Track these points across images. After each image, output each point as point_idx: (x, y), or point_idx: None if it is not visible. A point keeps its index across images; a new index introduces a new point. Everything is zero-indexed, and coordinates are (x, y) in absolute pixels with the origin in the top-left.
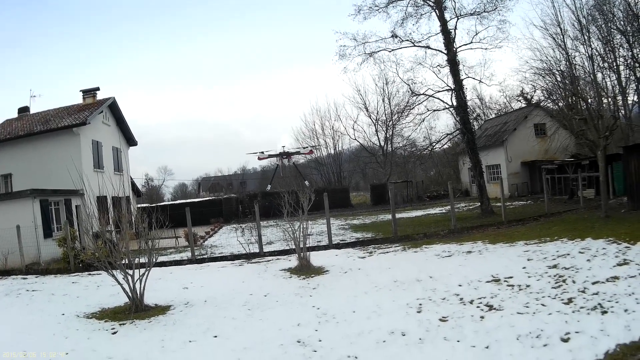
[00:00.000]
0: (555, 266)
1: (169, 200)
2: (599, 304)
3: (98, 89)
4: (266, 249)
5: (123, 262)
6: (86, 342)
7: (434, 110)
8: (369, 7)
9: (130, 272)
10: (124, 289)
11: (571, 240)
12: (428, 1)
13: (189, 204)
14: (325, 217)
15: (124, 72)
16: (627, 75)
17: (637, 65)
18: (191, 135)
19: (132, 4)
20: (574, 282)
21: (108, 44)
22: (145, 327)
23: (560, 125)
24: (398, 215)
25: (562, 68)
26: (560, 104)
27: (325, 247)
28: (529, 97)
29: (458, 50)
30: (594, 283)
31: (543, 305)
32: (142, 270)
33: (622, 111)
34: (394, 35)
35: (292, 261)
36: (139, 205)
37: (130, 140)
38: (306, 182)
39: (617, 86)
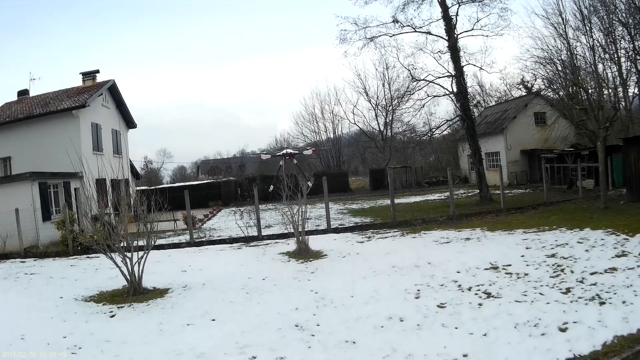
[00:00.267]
0: (553, 255)
1: (168, 183)
2: (597, 294)
3: (98, 71)
4: (265, 232)
5: (122, 245)
6: (84, 325)
7: (434, 96)
8: None
9: (129, 255)
10: (122, 272)
11: (570, 230)
12: None
13: (188, 187)
14: (324, 201)
15: (124, 54)
16: (628, 68)
17: (638, 57)
18: (190, 118)
19: None
20: (572, 272)
21: (108, 26)
22: (143, 311)
23: (561, 115)
24: (397, 201)
25: (563, 57)
26: (561, 94)
27: (323, 231)
28: (529, 85)
29: (459, 36)
30: (592, 274)
31: (541, 294)
32: (141, 253)
33: (623, 103)
34: (395, 21)
35: (291, 245)
36: (137, 188)
37: (130, 123)
38: (309, 183)
39: (618, 78)
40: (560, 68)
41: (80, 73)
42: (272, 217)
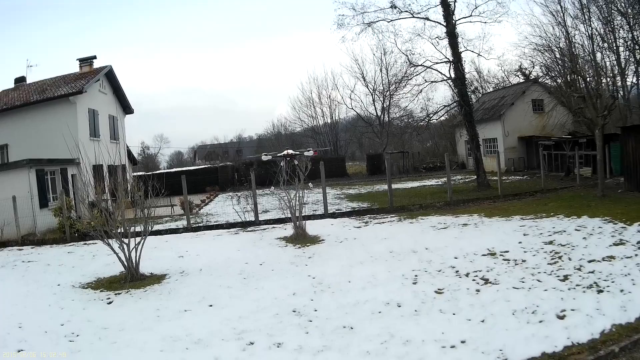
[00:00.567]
0: (551, 242)
1: (165, 168)
2: (595, 282)
3: (95, 57)
4: (262, 217)
5: (119, 231)
6: (82, 312)
7: (432, 82)
8: None
9: (126, 241)
10: (119, 258)
11: (567, 218)
12: None
13: (185, 172)
14: (321, 186)
15: (121, 40)
16: (627, 57)
17: (637, 47)
18: (187, 104)
19: None
20: (569, 259)
21: (105, 11)
22: (140, 297)
23: (558, 102)
24: (394, 186)
25: (561, 45)
26: (559, 81)
27: (321, 216)
28: (527, 72)
29: (457, 23)
30: (590, 261)
31: (539, 281)
32: (138, 239)
33: (621, 92)
34: (393, 6)
35: (288, 230)
36: (135, 174)
37: (127, 109)
38: (309, 184)
39: (617, 67)
40: (558, 56)
41: (77, 59)
42: (269, 202)
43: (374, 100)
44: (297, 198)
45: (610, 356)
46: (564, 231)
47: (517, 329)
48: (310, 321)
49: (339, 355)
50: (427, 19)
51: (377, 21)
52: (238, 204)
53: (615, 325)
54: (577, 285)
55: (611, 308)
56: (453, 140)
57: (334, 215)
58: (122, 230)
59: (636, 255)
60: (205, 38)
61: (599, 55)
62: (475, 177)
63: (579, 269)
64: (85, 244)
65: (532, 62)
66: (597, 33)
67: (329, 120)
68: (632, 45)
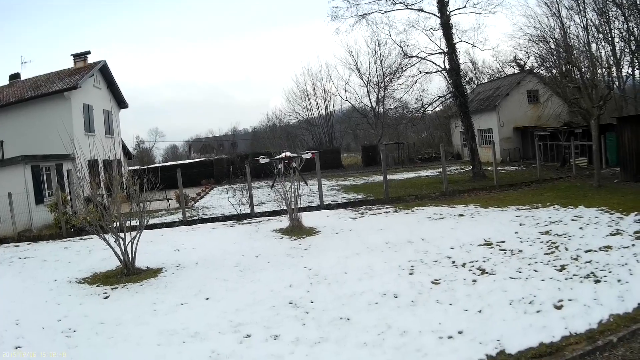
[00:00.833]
0: (547, 232)
1: (160, 162)
2: (592, 272)
3: (89, 52)
4: (257, 209)
5: (114, 225)
6: (78, 307)
7: (427, 73)
8: None
9: (122, 235)
10: (115, 253)
11: (564, 208)
12: None
13: (180, 166)
14: (317, 177)
15: (115, 34)
16: (622, 48)
17: (632, 38)
18: (182, 97)
19: None
20: (566, 249)
21: (99, 6)
22: (137, 291)
23: (554, 93)
24: (389, 177)
25: (556, 36)
26: (554, 72)
27: (316, 208)
28: (522, 63)
29: (451, 14)
30: (586, 251)
31: (536, 271)
32: (134, 233)
33: (616, 83)
34: None
35: (284, 222)
36: (130, 168)
37: (122, 103)
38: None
39: (612, 58)
40: (553, 47)
41: (71, 55)
42: (264, 195)
43: (368, 92)
44: (293, 190)
45: (608, 346)
46: (561, 221)
47: (515, 319)
48: (307, 313)
49: (336, 347)
50: (422, 10)
51: (371, 13)
52: (233, 197)
53: (613, 315)
54: (574, 275)
55: (609, 298)
56: (448, 131)
57: (329, 207)
58: (118, 225)
59: (633, 245)
60: (199, 31)
61: (594, 46)
62: (471, 167)
63: (576, 259)
64: (81, 239)
65: (527, 52)
66: (592, 24)
67: (324, 112)
68: (627, 36)
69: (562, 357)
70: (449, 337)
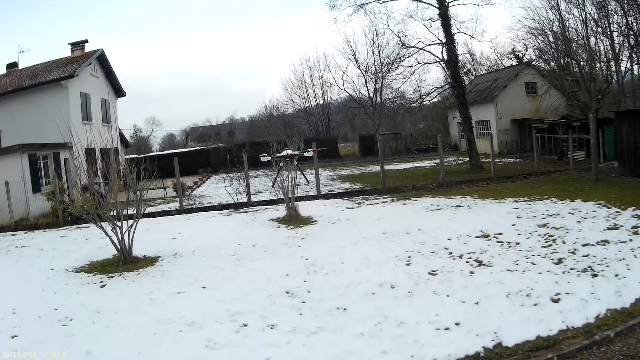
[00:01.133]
0: (545, 225)
1: (157, 150)
2: (590, 266)
3: (86, 41)
4: (254, 198)
5: (111, 213)
6: (75, 296)
7: (425, 63)
8: None
9: (119, 223)
10: (112, 241)
11: (561, 201)
12: None
13: (177, 154)
14: (314, 167)
15: (113, 23)
16: (621, 42)
17: (631, 33)
18: (179, 86)
19: None
20: (564, 242)
21: None
22: (133, 279)
23: (552, 86)
24: (386, 167)
25: (555, 29)
26: (552, 64)
27: (313, 197)
28: (520, 55)
29: (450, 4)
30: (584, 245)
31: (533, 263)
32: (131, 222)
33: (615, 77)
34: None
35: (281, 211)
36: (127, 157)
37: (119, 92)
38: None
39: (610, 52)
40: (552, 39)
41: (69, 43)
42: (261, 184)
43: (366, 82)
44: (290, 179)
45: (605, 341)
46: (558, 214)
47: (512, 312)
48: (304, 302)
49: (332, 337)
50: (420, 0)
51: (369, 2)
52: (230, 186)
53: (610, 310)
54: (571, 268)
55: (606, 292)
56: (446, 122)
57: (326, 196)
58: (115, 213)
59: (631, 240)
60: (196, 20)
61: (592, 39)
62: (468, 159)
63: (573, 253)
64: (78, 227)
65: (526, 45)
66: (591, 18)
67: (321, 102)
68: (626, 30)
69: (559, 351)
70: (446, 329)
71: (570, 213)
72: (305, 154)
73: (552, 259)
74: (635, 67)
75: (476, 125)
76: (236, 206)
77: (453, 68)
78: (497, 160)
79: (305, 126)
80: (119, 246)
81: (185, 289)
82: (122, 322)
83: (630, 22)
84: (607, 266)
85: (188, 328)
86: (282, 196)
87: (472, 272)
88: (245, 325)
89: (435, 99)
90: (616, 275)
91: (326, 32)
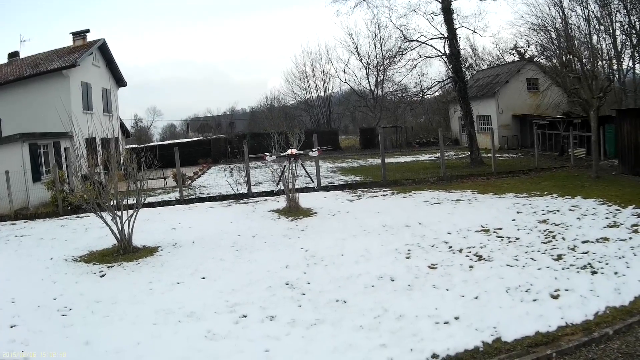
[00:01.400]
0: (545, 221)
1: (158, 141)
2: (589, 263)
3: (88, 30)
4: (255, 189)
5: (111, 203)
6: (74, 286)
7: (427, 57)
8: None
9: (119, 213)
10: (112, 231)
11: (561, 197)
12: None
13: (178, 145)
14: (314, 159)
15: (115, 12)
16: (623, 41)
17: (633, 32)
18: (180, 76)
19: None
20: (563, 239)
21: None
22: (133, 269)
23: (553, 82)
24: (387, 160)
25: (557, 26)
26: (554, 61)
27: (313, 189)
28: (522, 51)
29: None
30: (583, 242)
31: (532, 259)
32: (131, 212)
33: (617, 76)
34: None
35: (281, 202)
36: (127, 146)
37: (120, 81)
38: (312, 153)
39: (613, 50)
40: (554, 36)
41: (70, 33)
42: (262, 175)
43: (367, 75)
44: (290, 171)
45: (604, 338)
46: (558, 211)
47: (511, 307)
48: (303, 294)
49: (332, 329)
50: None
51: None
52: (231, 176)
53: (609, 307)
54: (571, 265)
55: (605, 290)
56: (447, 116)
57: (326, 189)
58: (115, 203)
59: (630, 238)
60: (198, 10)
61: (595, 37)
62: (469, 153)
63: (573, 249)
64: (78, 217)
65: (528, 41)
66: (593, 15)
67: (323, 94)
68: (628, 29)
69: (558, 347)
70: (445, 323)
71: (570, 210)
72: (310, 153)
73: (552, 255)
74: (637, 66)
75: (477, 120)
76: (236, 197)
77: (455, 62)
78: (498, 155)
79: (306, 118)
80: (118, 236)
81: (184, 280)
82: (121, 312)
83: (633, 21)
84: (607, 264)
85: (187, 319)
86: (282, 187)
87: (471, 267)
88: (245, 316)
89: (436, 93)
90: (615, 273)
91: (328, 24)
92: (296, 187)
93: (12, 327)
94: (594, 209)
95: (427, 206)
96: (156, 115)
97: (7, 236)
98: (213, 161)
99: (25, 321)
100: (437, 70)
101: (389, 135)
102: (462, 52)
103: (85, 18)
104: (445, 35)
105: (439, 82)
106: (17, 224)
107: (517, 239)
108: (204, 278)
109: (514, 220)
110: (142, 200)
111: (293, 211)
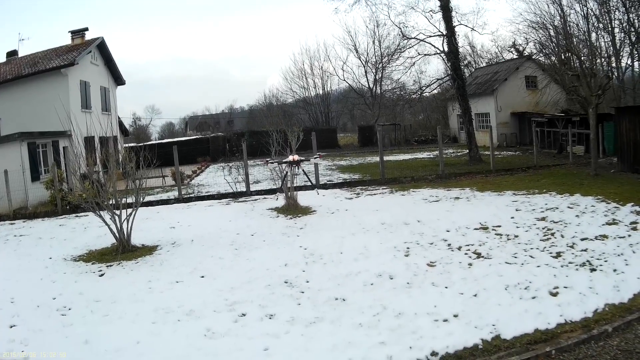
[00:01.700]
0: (543, 219)
1: (156, 139)
2: (588, 261)
3: (87, 29)
4: (253, 188)
5: (110, 202)
6: (73, 285)
7: (425, 55)
8: None
9: (118, 212)
10: (111, 230)
11: (560, 195)
12: None
13: (176, 143)
14: (313, 157)
15: (113, 10)
16: (622, 39)
17: (632, 30)
18: (179, 74)
19: None
20: (562, 236)
21: None
22: (132, 268)
23: (552, 80)
24: (385, 158)
25: (556, 24)
26: (553, 59)
27: (312, 187)
28: (521, 49)
29: None
30: (582, 239)
31: (531, 257)
32: (129, 211)
33: (615, 73)
34: None
35: (279, 200)
36: (126, 145)
37: (119, 80)
38: (316, 158)
39: (611, 48)
40: (553, 34)
41: (69, 31)
42: (260, 173)
43: (366, 72)
44: (289, 169)
45: (603, 336)
46: (557, 208)
47: (510, 305)
48: (302, 292)
49: (331, 327)
50: None
51: None
52: (229, 175)
53: (608, 305)
54: (569, 262)
55: (604, 287)
56: (445, 113)
57: (325, 187)
58: (114, 202)
59: (629, 236)
60: (197, 8)
61: (593, 35)
62: (467, 151)
63: (572, 247)
64: (76, 216)
65: (526, 38)
66: (592, 13)
67: (321, 92)
68: (627, 27)
69: (557, 344)
70: (445, 320)
71: (569, 207)
72: (312, 160)
73: (551, 253)
74: (636, 63)
75: (476, 118)
76: (235, 195)
77: (453, 60)
78: (496, 153)
79: (305, 116)
80: (117, 235)
81: (183, 278)
82: (120, 311)
83: (631, 19)
84: (606, 261)
85: (186, 317)
86: (280, 185)
87: (470, 264)
88: (244, 314)
89: (435, 91)
90: (614, 271)
91: (327, 22)
92: (295, 185)
93: (11, 326)
94: (592, 206)
95: (425, 204)
96: (154, 114)
97: (6, 236)
98: (212, 159)
99: (24, 321)
100: (436, 67)
101: (388, 133)
102: (460, 49)
103: (84, 16)
104: (444, 33)
105: (438, 79)
106: (16, 223)
107: (516, 236)
108: (203, 276)
109: (512, 217)
110: (141, 199)
111: (292, 209)
